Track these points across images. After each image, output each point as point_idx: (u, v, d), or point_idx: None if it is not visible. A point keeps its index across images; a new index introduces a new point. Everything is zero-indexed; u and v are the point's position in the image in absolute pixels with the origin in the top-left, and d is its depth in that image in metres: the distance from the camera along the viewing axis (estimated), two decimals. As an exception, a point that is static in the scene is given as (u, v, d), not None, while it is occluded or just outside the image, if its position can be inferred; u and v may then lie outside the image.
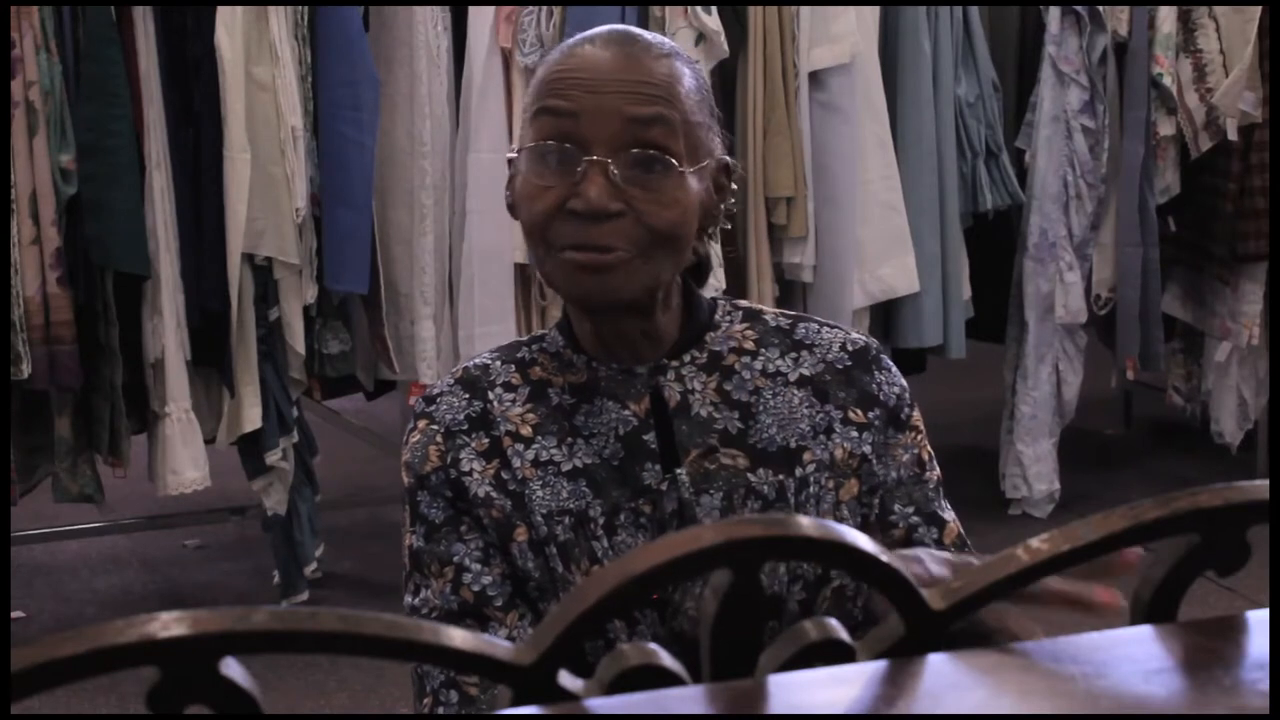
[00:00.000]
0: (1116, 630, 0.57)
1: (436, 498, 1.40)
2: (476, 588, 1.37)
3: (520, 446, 1.41)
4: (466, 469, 1.40)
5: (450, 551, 1.39)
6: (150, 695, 0.49)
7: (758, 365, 1.44)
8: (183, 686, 0.49)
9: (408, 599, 1.41)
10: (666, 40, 1.43)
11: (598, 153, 1.32)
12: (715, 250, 1.54)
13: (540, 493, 1.39)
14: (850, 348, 1.45)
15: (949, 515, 1.45)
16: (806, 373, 1.44)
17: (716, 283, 3.70)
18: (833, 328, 1.48)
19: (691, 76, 1.39)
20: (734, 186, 1.44)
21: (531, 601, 1.38)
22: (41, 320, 3.47)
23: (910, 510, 1.42)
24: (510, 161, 1.43)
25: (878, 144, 4.00)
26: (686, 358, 1.43)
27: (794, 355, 1.44)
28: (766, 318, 1.48)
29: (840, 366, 1.44)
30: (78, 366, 3.51)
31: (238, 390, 3.70)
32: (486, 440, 1.41)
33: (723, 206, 1.42)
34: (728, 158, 1.43)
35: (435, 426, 1.42)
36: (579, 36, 1.40)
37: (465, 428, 1.42)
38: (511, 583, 1.38)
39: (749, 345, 1.45)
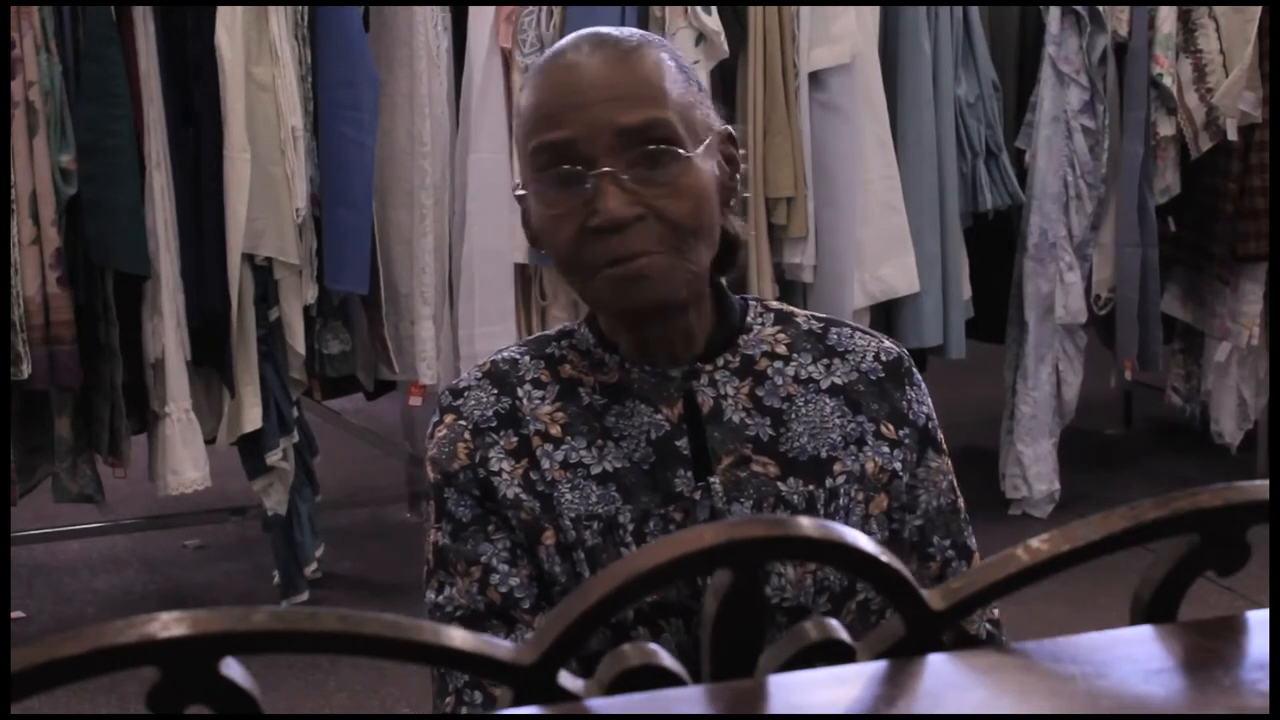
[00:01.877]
0: (1116, 630, 0.57)
1: (464, 495, 1.38)
2: (504, 589, 1.36)
3: (549, 447, 1.38)
4: (495, 469, 1.38)
5: (478, 551, 1.37)
6: (150, 695, 0.49)
7: (790, 371, 1.42)
8: (183, 686, 0.49)
9: (430, 595, 1.39)
10: (635, 31, 1.40)
11: (603, 165, 1.30)
12: (739, 224, 1.51)
13: (569, 496, 1.36)
14: (884, 358, 1.44)
15: (973, 543, 1.45)
16: (839, 381, 1.42)
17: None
18: (865, 334, 1.46)
19: (668, 58, 1.36)
20: (742, 151, 1.42)
21: (556, 605, 1.37)
22: (41, 320, 3.47)
23: (947, 544, 1.43)
24: (520, 198, 1.41)
25: (878, 144, 4.00)
26: (720, 361, 1.41)
27: (826, 362, 1.43)
28: (799, 320, 1.45)
29: (874, 377, 1.42)
30: (78, 366, 3.51)
31: (238, 390, 3.70)
32: (515, 439, 1.39)
33: (737, 176, 1.40)
34: (728, 126, 1.41)
35: (463, 423, 1.40)
36: (550, 54, 1.38)
37: (494, 425, 1.39)
38: (540, 583, 1.37)
39: (781, 350, 1.43)
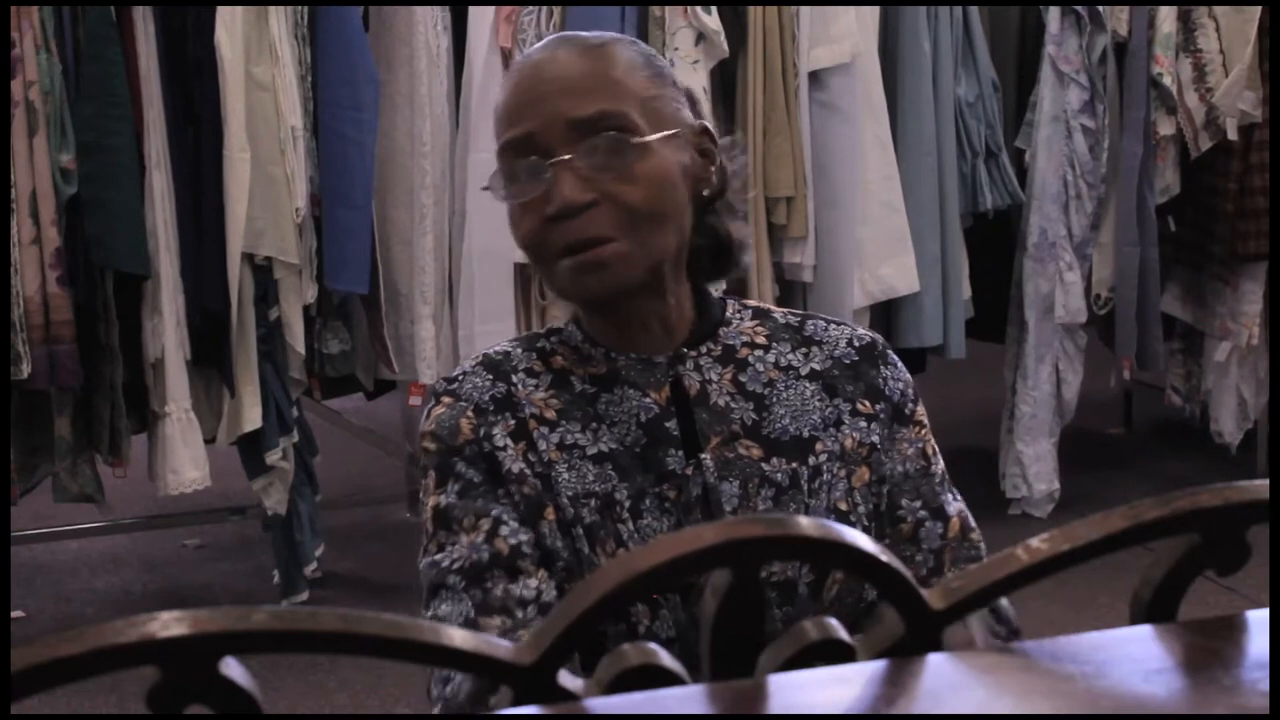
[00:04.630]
0: (1116, 630, 0.57)
1: (474, 462, 1.40)
2: (513, 541, 1.36)
3: (545, 430, 1.42)
4: (501, 444, 1.41)
5: (488, 506, 1.38)
6: (150, 695, 0.49)
7: (770, 358, 1.47)
8: (183, 686, 0.49)
9: (426, 558, 1.38)
10: (603, 34, 1.46)
11: (560, 154, 1.36)
12: (736, 226, 1.56)
13: (566, 475, 1.40)
14: (857, 343, 1.49)
15: (953, 508, 1.47)
16: (817, 367, 1.47)
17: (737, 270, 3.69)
18: (839, 324, 1.52)
19: (636, 54, 1.43)
20: (720, 145, 1.46)
21: (558, 582, 1.38)
22: (41, 320, 3.47)
23: (918, 505, 1.45)
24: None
25: (878, 144, 4.00)
26: (703, 348, 1.46)
27: (804, 350, 1.48)
28: (775, 315, 1.51)
29: (848, 361, 1.48)
30: (78, 366, 3.51)
31: (238, 390, 3.70)
32: (513, 421, 1.42)
33: (712, 169, 1.45)
34: (704, 122, 1.46)
35: (464, 403, 1.43)
36: (521, 57, 1.46)
37: (492, 408, 1.42)
38: (545, 552, 1.39)
39: (760, 340, 1.48)
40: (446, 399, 1.43)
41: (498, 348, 1.48)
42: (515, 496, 1.39)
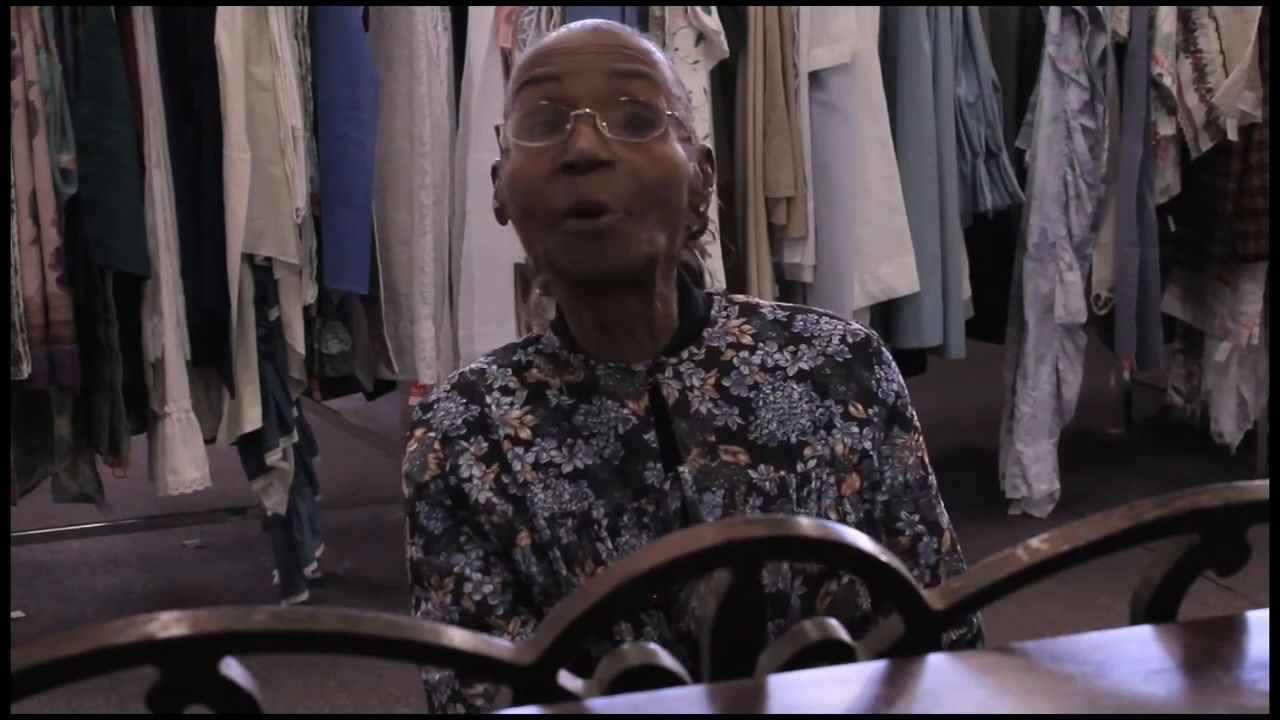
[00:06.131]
0: (1116, 630, 0.57)
1: (435, 507, 1.39)
2: (478, 597, 1.36)
3: (520, 450, 1.39)
4: (466, 475, 1.38)
5: (450, 562, 1.37)
6: (150, 695, 0.49)
7: (756, 360, 1.42)
8: (183, 686, 0.49)
9: (413, 614, 1.40)
10: None
11: (584, 107, 1.32)
12: (709, 260, 1.54)
13: (542, 496, 1.37)
14: (850, 340, 1.43)
15: (945, 521, 1.45)
16: (805, 366, 1.42)
17: (717, 284, 3.70)
18: (832, 319, 1.46)
19: (666, 61, 1.40)
20: (711, 171, 1.44)
21: (536, 607, 1.37)
22: (41, 320, 3.47)
23: (916, 518, 1.42)
24: (495, 170, 1.43)
25: (878, 144, 4.01)
26: (685, 354, 1.41)
27: (792, 349, 1.42)
28: (764, 311, 1.46)
29: (840, 360, 1.42)
30: (78, 366, 3.51)
31: (238, 390, 3.70)
32: (485, 445, 1.40)
33: (709, 190, 1.42)
34: (706, 144, 1.45)
35: (433, 434, 1.41)
36: (557, 30, 1.43)
37: (463, 432, 1.40)
38: (515, 589, 1.37)
39: (747, 340, 1.43)
40: (419, 430, 1.42)
41: (474, 365, 1.46)
42: (485, 527, 1.37)
